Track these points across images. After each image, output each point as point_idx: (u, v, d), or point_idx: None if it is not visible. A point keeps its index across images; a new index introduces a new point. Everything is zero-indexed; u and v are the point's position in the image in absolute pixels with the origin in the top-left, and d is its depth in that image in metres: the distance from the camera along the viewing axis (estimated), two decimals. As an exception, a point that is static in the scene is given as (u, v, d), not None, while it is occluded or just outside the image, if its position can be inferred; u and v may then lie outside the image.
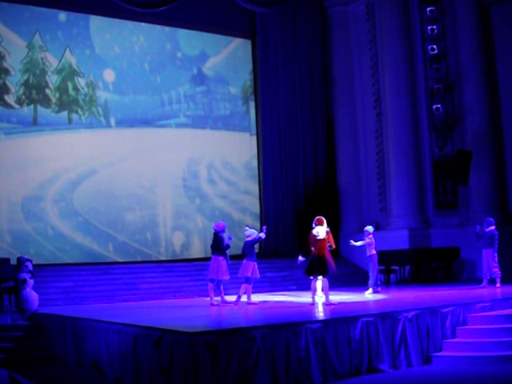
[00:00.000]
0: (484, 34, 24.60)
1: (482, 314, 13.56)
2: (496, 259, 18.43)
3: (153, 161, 24.53)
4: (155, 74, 25.11)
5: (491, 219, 18.84)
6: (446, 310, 13.02)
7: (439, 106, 24.98)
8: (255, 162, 27.02)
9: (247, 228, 16.53)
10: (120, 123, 24.16)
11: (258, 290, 18.96)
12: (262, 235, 16.24)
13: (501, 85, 24.59)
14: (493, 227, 18.54)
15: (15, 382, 8.17)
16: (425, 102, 25.56)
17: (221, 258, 16.17)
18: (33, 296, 16.80)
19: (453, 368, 11.94)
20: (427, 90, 25.46)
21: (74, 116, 23.37)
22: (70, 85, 23.36)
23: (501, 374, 11.24)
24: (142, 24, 25.05)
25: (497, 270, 18.42)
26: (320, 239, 14.93)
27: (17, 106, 22.37)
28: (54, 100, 23.01)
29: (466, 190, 24.60)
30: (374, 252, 18.45)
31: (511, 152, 24.43)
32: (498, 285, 18.29)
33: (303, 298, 17.12)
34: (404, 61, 25.55)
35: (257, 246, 19.22)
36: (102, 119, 23.89)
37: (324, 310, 14.13)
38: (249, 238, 16.13)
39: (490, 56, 24.66)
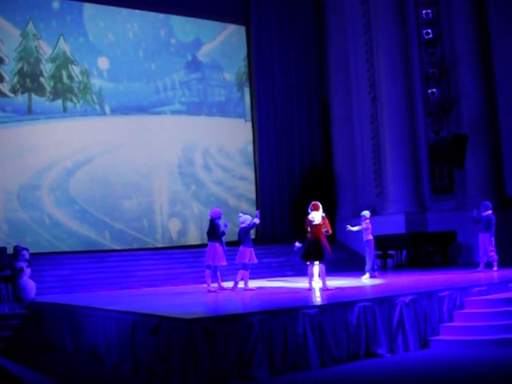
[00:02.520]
0: (479, 18, 24.52)
1: (479, 297, 13.56)
2: (493, 243, 18.45)
3: (148, 148, 24.50)
4: (149, 61, 25.05)
5: (488, 203, 18.85)
6: (443, 294, 13.03)
7: (434, 90, 24.92)
8: (250, 148, 27.01)
9: (241, 214, 16.51)
10: (115, 111, 24.12)
11: (255, 275, 18.96)
12: (257, 220, 16.20)
13: (496, 69, 24.53)
14: (490, 211, 18.55)
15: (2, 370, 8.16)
16: (420, 87, 25.51)
17: (217, 244, 16.17)
18: (30, 285, 16.82)
19: (450, 352, 11.96)
20: (422, 74, 25.40)
21: (69, 104, 23.32)
22: (64, 73, 23.30)
23: (498, 358, 11.26)
24: (136, 11, 24.98)
25: (493, 254, 18.44)
26: (316, 224, 14.90)
27: (11, 95, 22.31)
28: (48, 88, 22.95)
29: (462, 174, 24.60)
30: (370, 237, 18.47)
31: (507, 136, 24.40)
32: (495, 268, 18.31)
33: (300, 283, 17.14)
34: (399, 45, 25.48)
35: (253, 232, 19.30)
36: (97, 107, 23.85)
37: (321, 295, 14.12)
38: (243, 225, 16.10)
39: (485, 40, 24.59)
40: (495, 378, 10.06)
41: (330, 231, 15.35)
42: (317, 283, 15.71)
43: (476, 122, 24.19)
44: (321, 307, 11.50)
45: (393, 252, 23.81)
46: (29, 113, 22.54)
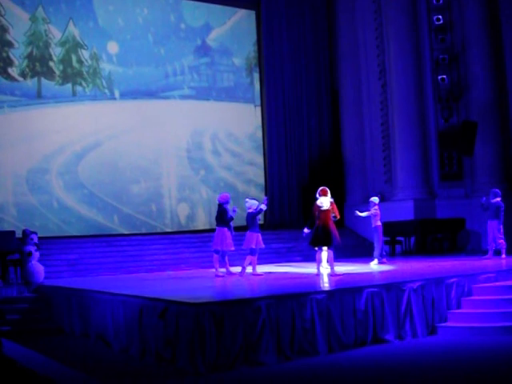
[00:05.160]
0: (490, 4, 24.37)
1: (487, 284, 13.54)
2: (501, 230, 18.40)
3: (157, 132, 24.49)
4: (159, 45, 25.01)
5: (497, 190, 18.79)
6: (451, 280, 13.01)
7: (444, 76, 24.82)
8: (259, 133, 26.97)
9: (247, 200, 16.51)
10: (124, 95, 24.10)
11: (263, 261, 19.00)
12: (263, 207, 16.18)
13: (507, 55, 24.39)
14: (499, 198, 18.49)
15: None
16: (430, 73, 25.42)
17: (225, 229, 16.20)
18: (38, 268, 16.88)
19: (458, 338, 11.96)
20: (432, 60, 25.31)
21: (78, 88, 23.32)
22: (73, 57, 23.28)
23: (505, 345, 11.27)
24: (146, -5, 24.96)
25: (502, 242, 18.39)
26: (324, 210, 14.89)
27: (20, 79, 22.31)
28: (57, 72, 22.94)
29: (471, 161, 24.52)
30: (379, 223, 18.46)
31: (517, 122, 24.35)
32: (504, 256, 18.27)
33: (308, 269, 17.14)
34: (409, 31, 25.36)
35: (261, 217, 19.27)
36: (106, 91, 23.84)
37: (329, 280, 14.13)
38: (250, 210, 16.10)
39: (495, 26, 24.44)
40: (502, 364, 10.06)
41: (338, 216, 15.34)
42: (325, 269, 15.72)
43: (486, 109, 24.09)
44: (329, 293, 11.50)
45: (401, 238, 23.82)
46: (38, 97, 22.55)
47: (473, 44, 24.37)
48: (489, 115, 24.10)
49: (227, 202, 16.52)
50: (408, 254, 23.40)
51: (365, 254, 21.28)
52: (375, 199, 18.79)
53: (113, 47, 24.08)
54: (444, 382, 9.08)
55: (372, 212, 18.46)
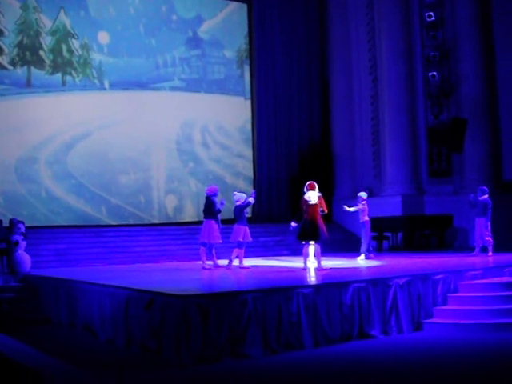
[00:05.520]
0: (481, 1, 24.42)
1: (474, 281, 13.59)
2: (489, 228, 18.41)
3: (147, 124, 24.43)
4: (150, 36, 24.93)
5: (485, 188, 18.81)
6: (438, 277, 13.05)
7: (435, 73, 24.86)
8: (249, 126, 26.94)
9: (235, 193, 16.52)
10: (114, 86, 24.03)
11: (250, 254, 19.00)
12: (251, 200, 16.19)
13: (497, 52, 24.45)
14: (486, 196, 18.51)
15: None
16: (421, 69, 25.43)
17: (213, 221, 16.20)
18: (25, 258, 16.84)
19: (443, 335, 12.01)
20: (423, 57, 25.33)
21: (68, 78, 23.24)
22: (64, 46, 23.19)
23: (491, 341, 11.31)
24: (137, -15, 24.88)
25: (489, 239, 18.41)
26: (312, 204, 14.87)
27: (10, 68, 22.23)
28: (47, 62, 22.86)
29: (460, 158, 24.59)
30: (366, 218, 18.49)
31: (506, 120, 24.37)
32: (490, 253, 18.29)
33: (295, 263, 17.15)
34: (401, 27, 25.36)
35: (249, 210, 19.30)
36: (96, 81, 23.77)
37: (316, 275, 14.15)
38: (238, 203, 16.11)
39: (487, 23, 24.49)
40: (487, 361, 10.11)
41: (326, 211, 15.33)
42: (312, 263, 15.72)
43: (476, 106, 24.15)
44: (315, 287, 11.53)
45: (389, 234, 23.85)
46: (28, 86, 22.47)
47: (464, 41, 24.42)
48: (479, 112, 24.16)
49: (215, 195, 16.52)
50: (395, 249, 23.42)
51: (352, 249, 21.28)
52: (363, 194, 18.82)
53: (104, 37, 24.00)
54: (429, 378, 9.11)
55: (360, 207, 18.48)
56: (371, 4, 26.55)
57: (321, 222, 14.95)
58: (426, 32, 25.26)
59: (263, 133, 26.44)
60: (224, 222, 17.08)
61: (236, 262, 16.25)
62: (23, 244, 17.02)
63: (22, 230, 17.22)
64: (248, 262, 16.96)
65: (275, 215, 26.07)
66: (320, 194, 15.15)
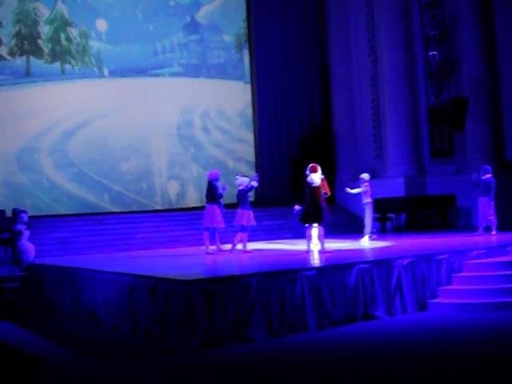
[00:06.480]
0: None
1: (477, 261, 13.55)
2: (492, 207, 18.37)
3: (147, 110, 24.38)
4: (148, 22, 24.85)
5: (488, 167, 18.75)
6: (442, 257, 13.03)
7: (435, 52, 24.73)
8: (250, 110, 26.85)
9: (238, 177, 16.41)
10: (113, 73, 24.00)
11: (254, 238, 18.93)
12: (254, 183, 16.11)
13: (498, 31, 24.32)
14: (489, 175, 18.45)
15: None
16: (421, 49, 25.30)
17: (215, 206, 16.15)
18: (29, 247, 16.84)
19: (448, 314, 11.99)
20: (423, 36, 25.19)
21: (67, 66, 23.23)
22: (62, 35, 23.17)
23: (495, 321, 11.30)
24: (134, -29, 24.78)
25: (493, 218, 18.37)
26: (315, 186, 14.83)
27: (9, 58, 22.23)
28: (46, 51, 22.85)
29: (462, 138, 24.51)
30: (369, 200, 18.44)
31: (508, 99, 24.26)
32: (494, 232, 18.26)
33: (299, 245, 17.09)
34: (400, 7, 25.20)
35: (252, 194, 19.26)
36: (95, 69, 23.75)
37: (319, 257, 14.14)
38: (241, 187, 16.04)
39: (487, 2, 24.36)
40: (492, 340, 10.12)
41: (329, 193, 15.31)
42: (315, 245, 15.69)
43: (477, 85, 24.03)
44: (319, 269, 11.52)
45: (392, 215, 23.81)
46: (27, 75, 22.47)
47: (464, 20, 24.28)
48: (480, 92, 24.04)
49: (217, 179, 16.46)
50: (398, 230, 23.40)
51: (355, 231, 21.23)
52: (365, 176, 18.77)
53: (101, 24, 23.94)
54: (434, 358, 9.11)
55: (362, 188, 18.44)
56: (370, -16, 26.42)
57: (324, 204, 14.92)
58: (426, 11, 25.12)
59: (264, 117, 26.38)
60: (227, 206, 17.05)
61: (239, 246, 16.23)
62: (26, 233, 17.02)
63: (25, 219, 17.20)
64: (252, 245, 16.91)
65: (278, 199, 26.03)
66: (323, 176, 15.11)
